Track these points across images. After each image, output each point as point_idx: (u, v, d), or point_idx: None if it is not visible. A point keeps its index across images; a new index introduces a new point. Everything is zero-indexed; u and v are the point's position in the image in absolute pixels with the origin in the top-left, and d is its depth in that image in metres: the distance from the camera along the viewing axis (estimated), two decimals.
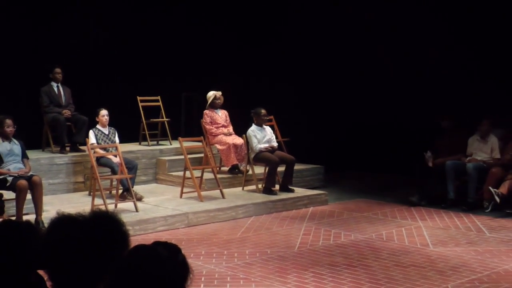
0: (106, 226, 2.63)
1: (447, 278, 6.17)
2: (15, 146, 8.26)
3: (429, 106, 11.38)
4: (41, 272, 2.74)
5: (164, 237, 7.46)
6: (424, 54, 11.86)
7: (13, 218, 7.44)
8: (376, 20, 12.36)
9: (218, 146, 10.59)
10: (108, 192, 9.29)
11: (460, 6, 11.34)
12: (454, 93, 11.21)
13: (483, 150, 9.86)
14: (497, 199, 9.04)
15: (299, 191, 10.16)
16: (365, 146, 12.56)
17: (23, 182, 7.74)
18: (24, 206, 7.79)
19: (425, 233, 8.08)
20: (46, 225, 2.80)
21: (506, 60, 10.73)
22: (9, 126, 8.19)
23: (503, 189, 9.11)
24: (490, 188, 9.14)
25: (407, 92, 12.03)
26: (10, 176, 7.87)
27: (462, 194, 9.65)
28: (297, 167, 10.49)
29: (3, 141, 8.17)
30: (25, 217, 7.55)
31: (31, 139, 9.78)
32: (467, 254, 7.06)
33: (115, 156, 9.18)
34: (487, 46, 11.02)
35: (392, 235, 7.99)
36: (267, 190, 9.89)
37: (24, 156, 8.36)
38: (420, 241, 7.66)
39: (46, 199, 8.42)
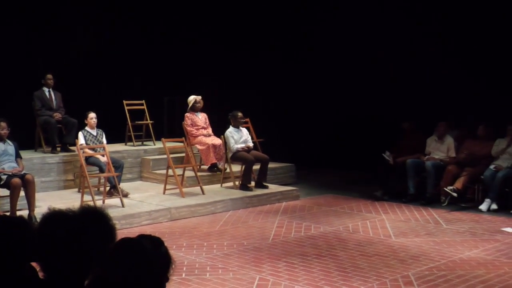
0: (94, 220, 2.63)
1: (408, 266, 6.22)
2: (9, 147, 8.19)
3: (391, 109, 11.46)
4: (34, 264, 2.72)
5: (148, 230, 7.42)
6: (387, 61, 11.94)
7: (8, 213, 7.38)
8: (340, 23, 12.40)
9: (198, 146, 10.57)
10: (96, 189, 9.23)
11: (422, 14, 11.44)
12: (414, 98, 11.30)
13: (440, 149, 9.96)
14: (455, 195, 9.13)
15: (273, 187, 10.18)
16: (333, 145, 12.61)
17: (16, 180, 7.69)
18: (18, 203, 7.74)
19: (387, 225, 8.14)
20: (38, 220, 2.77)
21: (459, 68, 10.84)
22: (3, 128, 8.14)
23: (458, 184, 9.21)
24: (445, 188, 9.22)
25: (371, 96, 12.11)
26: (5, 174, 7.81)
27: (421, 189, 9.73)
28: (270, 165, 10.51)
29: None
30: (18, 213, 7.49)
31: (25, 140, 9.70)
32: (426, 244, 7.12)
33: (103, 155, 9.14)
34: (445, 55, 11.12)
35: (358, 227, 8.03)
36: (244, 187, 9.89)
37: (18, 156, 8.30)
38: (383, 233, 7.71)
39: (38, 195, 8.33)
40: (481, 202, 9.08)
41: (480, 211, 8.90)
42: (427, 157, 9.91)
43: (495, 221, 8.30)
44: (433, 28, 11.25)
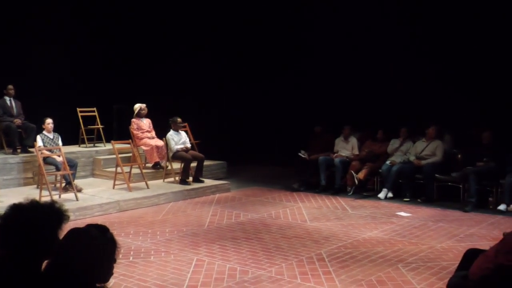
0: (50, 212, 2.54)
1: (321, 245, 6.29)
2: None
3: (306, 115, 11.62)
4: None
5: (99, 220, 7.26)
6: (302, 73, 12.09)
7: None
8: (269, 32, 12.45)
9: (143, 147, 10.43)
10: (53, 185, 8.92)
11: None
12: (324, 105, 11.49)
13: (346, 148, 10.14)
14: (356, 182, 9.31)
15: (208, 182, 10.11)
16: (258, 145, 12.66)
17: None
18: None
19: (304, 211, 8.22)
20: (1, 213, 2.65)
21: (362, 78, 11.08)
22: None
23: (361, 175, 9.41)
24: (352, 172, 9.40)
25: (289, 104, 12.25)
26: None
27: (331, 181, 9.88)
28: (206, 163, 10.46)
29: None
30: None
31: None
32: (335, 227, 7.23)
33: (59, 156, 8.85)
34: (346, 66, 11.33)
35: (279, 214, 8.08)
36: (183, 181, 9.79)
37: None
38: (300, 218, 7.77)
39: (0, 192, 8.01)
40: (380, 191, 9.29)
41: (379, 198, 9.11)
42: (335, 154, 10.07)
43: (391, 207, 8.50)
44: (342, 44, 11.46)
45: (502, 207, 7.91)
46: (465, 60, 9.77)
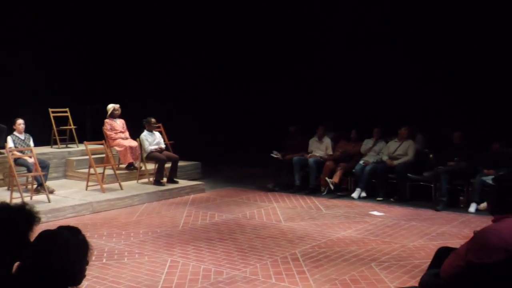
0: (21, 214, 2.50)
1: (295, 245, 6.31)
2: None
3: (280, 115, 11.66)
4: None
5: (72, 222, 7.14)
6: (276, 73, 12.13)
7: None
8: (240, 35, 12.46)
9: (117, 148, 10.34)
10: (24, 187, 8.77)
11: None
12: (298, 105, 11.54)
13: (320, 148, 10.20)
14: (331, 187, 9.37)
15: (182, 182, 10.07)
16: (233, 146, 12.65)
17: None
18: None
19: (278, 212, 8.23)
20: None
21: (335, 78, 11.15)
22: None
23: (336, 178, 9.47)
24: (327, 178, 9.46)
25: (262, 104, 12.27)
26: None
27: (305, 181, 9.92)
28: (180, 163, 10.42)
29: None
30: None
31: None
32: (310, 226, 7.26)
33: (30, 157, 8.71)
34: (319, 67, 11.41)
35: (254, 214, 8.08)
36: (157, 182, 9.73)
37: None
38: (274, 218, 7.79)
39: None
40: (353, 191, 9.36)
41: (353, 198, 9.17)
42: (309, 154, 10.12)
43: (365, 206, 8.56)
44: (312, 48, 11.53)
45: (472, 208, 8.03)
46: (438, 60, 9.92)
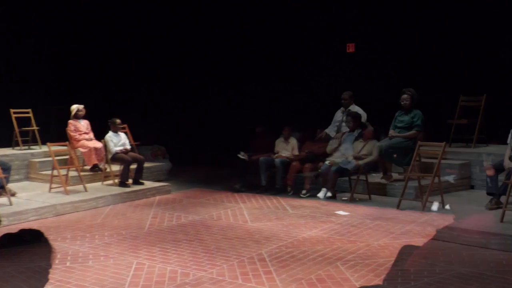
0: None
1: (262, 245, 6.32)
2: None
3: (247, 115, 11.68)
4: None
5: (35, 225, 7.02)
6: (242, 74, 12.15)
7: None
8: (197, 32, 12.45)
9: (81, 149, 10.19)
10: None
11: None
12: (265, 106, 11.58)
13: (286, 148, 10.24)
14: (304, 195, 9.37)
15: (148, 184, 9.98)
16: (199, 146, 12.62)
17: None
18: None
19: (245, 212, 8.23)
20: None
21: (301, 79, 11.24)
22: None
23: (307, 186, 9.51)
24: (302, 193, 9.44)
25: (231, 104, 12.28)
26: None
27: (272, 182, 9.94)
28: (146, 164, 10.33)
29: None
30: None
31: None
32: (276, 226, 7.28)
33: None
34: (285, 68, 11.48)
35: (221, 215, 8.06)
36: (122, 184, 9.63)
37: None
38: (241, 219, 7.79)
39: None
40: (319, 191, 9.44)
41: (318, 198, 9.24)
42: (276, 155, 10.15)
43: (330, 206, 8.60)
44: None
45: (435, 207, 8.17)
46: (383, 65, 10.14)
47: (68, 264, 5.67)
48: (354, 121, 8.47)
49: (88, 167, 10.27)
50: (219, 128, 12.37)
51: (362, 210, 8.28)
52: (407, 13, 10.25)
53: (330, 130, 9.40)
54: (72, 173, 9.53)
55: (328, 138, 9.36)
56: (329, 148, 9.93)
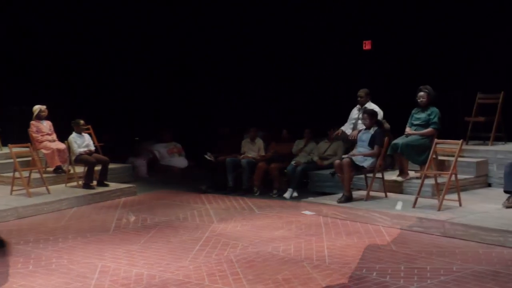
0: None
1: (228, 246, 6.29)
2: None
3: (213, 116, 11.67)
4: None
5: None
6: (208, 75, 12.13)
7: None
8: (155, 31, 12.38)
9: (44, 151, 10.02)
10: None
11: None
12: (230, 107, 11.59)
13: (252, 149, 10.26)
14: (287, 195, 9.36)
15: (113, 185, 9.86)
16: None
17: None
18: None
19: (211, 213, 8.20)
20: None
21: (267, 80, 11.28)
22: None
23: (276, 185, 9.52)
24: (272, 194, 9.43)
25: (197, 105, 12.25)
26: None
27: (238, 182, 9.94)
28: (111, 166, 10.17)
29: None
30: None
31: None
32: (242, 227, 7.28)
33: None
34: (250, 68, 11.50)
35: (187, 216, 8.02)
36: (87, 186, 9.49)
37: None
38: (208, 220, 7.76)
39: None
40: (285, 191, 9.47)
41: (285, 198, 9.28)
42: (242, 155, 10.16)
43: (297, 206, 8.58)
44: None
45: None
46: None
47: (31, 268, 5.57)
48: (370, 119, 8.19)
49: (51, 169, 10.10)
50: (183, 130, 12.28)
51: (328, 209, 8.24)
52: (424, 9, 10.09)
53: (346, 128, 9.22)
54: (35, 175, 9.33)
55: (344, 136, 9.22)
56: (294, 148, 10.00)
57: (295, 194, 9.33)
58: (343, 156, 8.28)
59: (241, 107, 11.39)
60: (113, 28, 12.69)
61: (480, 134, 9.39)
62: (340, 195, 8.09)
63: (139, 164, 10.41)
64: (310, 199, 9.04)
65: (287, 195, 9.33)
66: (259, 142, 10.27)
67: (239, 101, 11.51)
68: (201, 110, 12.10)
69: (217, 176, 10.12)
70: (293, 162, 9.59)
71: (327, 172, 9.19)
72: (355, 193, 8.24)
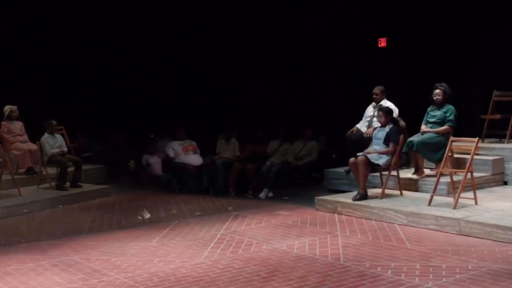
0: None
1: (206, 246, 6.27)
2: None
3: (188, 118, 11.61)
4: None
5: None
6: (183, 76, 12.08)
7: None
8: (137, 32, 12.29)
9: (15, 152, 9.84)
10: None
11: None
12: (203, 108, 11.56)
13: (227, 149, 10.25)
14: (262, 195, 9.32)
15: (87, 187, 9.74)
16: (141, 148, 12.42)
17: None
18: None
19: (186, 213, 8.16)
20: None
21: (230, 81, 11.27)
22: None
23: (254, 186, 9.51)
24: (261, 196, 9.37)
25: (174, 105, 12.19)
26: None
27: (213, 182, 9.91)
28: (84, 167, 10.06)
29: None
30: None
31: None
32: (220, 226, 7.22)
33: None
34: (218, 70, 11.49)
35: (162, 216, 7.96)
36: (60, 187, 9.36)
37: None
38: (183, 219, 7.71)
39: None
40: (261, 191, 9.46)
41: (260, 198, 9.27)
42: (218, 156, 10.14)
43: (272, 206, 8.57)
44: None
45: (262, 194, 8.26)
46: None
47: (2, 271, 5.46)
48: (385, 116, 8.10)
49: (22, 170, 9.93)
50: (162, 130, 12.19)
51: (302, 209, 8.28)
52: (439, 6, 10.04)
53: (361, 125, 9.15)
54: (6, 177, 9.15)
55: (359, 134, 9.14)
56: (270, 149, 10.01)
57: (271, 194, 9.33)
58: (358, 154, 7.98)
59: (241, 107, 11.33)
60: (113, 28, 12.54)
61: (496, 132, 9.25)
62: (355, 193, 7.93)
63: (154, 162, 10.33)
64: (285, 198, 9.02)
65: (262, 195, 9.32)
66: (234, 143, 10.25)
67: (239, 101, 11.43)
68: (201, 110, 12.01)
69: (192, 177, 10.06)
70: (268, 163, 9.59)
71: (342, 169, 9.02)
72: (370, 191, 8.04)
